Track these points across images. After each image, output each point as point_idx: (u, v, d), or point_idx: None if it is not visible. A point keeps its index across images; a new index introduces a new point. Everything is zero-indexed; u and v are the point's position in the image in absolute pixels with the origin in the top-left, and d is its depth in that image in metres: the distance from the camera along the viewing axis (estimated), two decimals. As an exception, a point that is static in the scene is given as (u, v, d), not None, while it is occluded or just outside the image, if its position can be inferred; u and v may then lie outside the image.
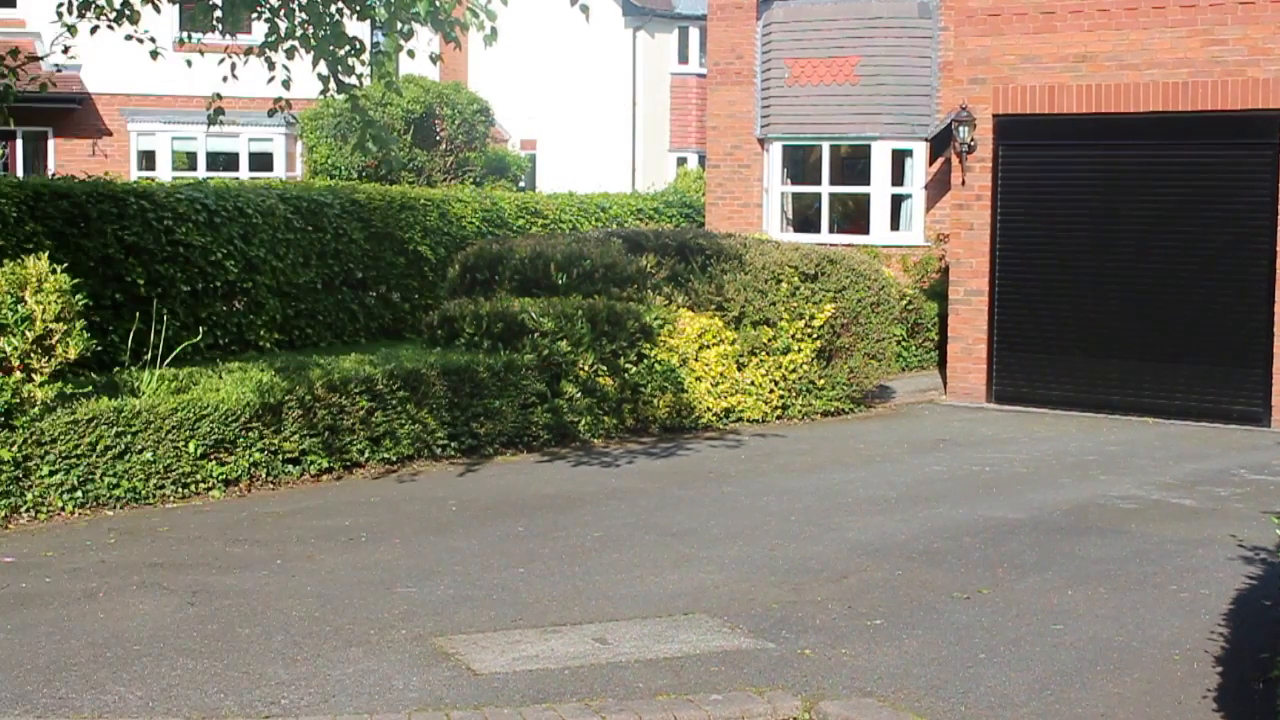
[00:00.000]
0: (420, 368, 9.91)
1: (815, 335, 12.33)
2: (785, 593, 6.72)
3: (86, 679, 5.36)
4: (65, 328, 8.19)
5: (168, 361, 9.84)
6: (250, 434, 8.87)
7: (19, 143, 24.61)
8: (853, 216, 18.72)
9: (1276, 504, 8.82)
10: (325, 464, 9.30)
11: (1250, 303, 12.42)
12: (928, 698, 5.34)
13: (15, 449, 7.90)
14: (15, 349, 7.99)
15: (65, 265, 8.87)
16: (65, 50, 9.86)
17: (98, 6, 9.59)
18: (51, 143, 25.02)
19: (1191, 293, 12.76)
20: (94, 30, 9.75)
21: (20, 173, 23.63)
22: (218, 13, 9.35)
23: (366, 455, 9.57)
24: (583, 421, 10.82)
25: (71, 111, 24.78)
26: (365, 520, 8.14)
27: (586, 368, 10.85)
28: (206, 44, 10.38)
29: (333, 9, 9.21)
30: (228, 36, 9.77)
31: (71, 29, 9.64)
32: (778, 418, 12.29)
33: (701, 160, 27.32)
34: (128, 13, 9.69)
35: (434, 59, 9.71)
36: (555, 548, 7.52)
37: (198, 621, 6.11)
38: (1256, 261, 12.37)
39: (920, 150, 17.92)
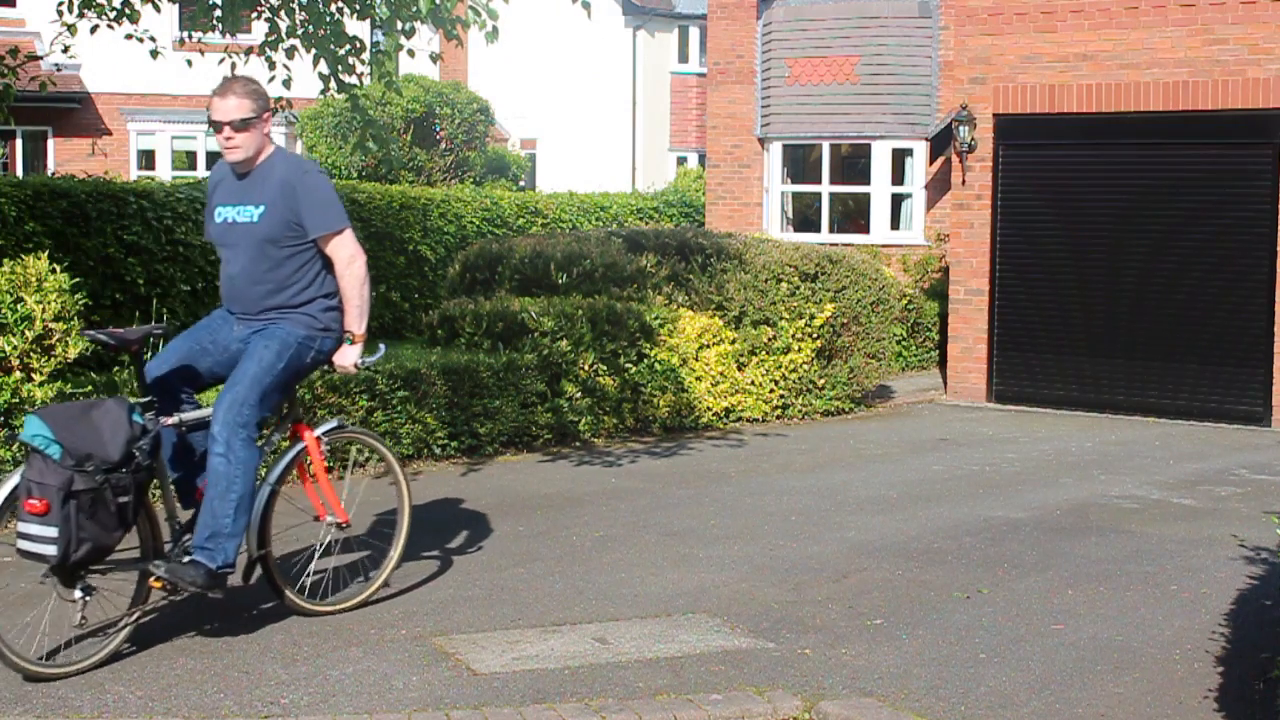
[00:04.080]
0: (420, 367, 9.91)
1: (815, 335, 12.32)
2: (785, 592, 6.71)
3: (86, 679, 5.35)
4: (65, 327, 8.18)
5: (167, 361, 9.82)
6: (250, 433, 8.85)
7: (19, 142, 24.62)
8: (853, 216, 18.72)
9: (1277, 504, 8.82)
10: (325, 464, 9.27)
11: (1251, 302, 12.42)
12: (928, 697, 5.33)
13: (15, 448, 7.89)
14: (15, 348, 7.98)
15: (65, 265, 8.86)
16: (65, 50, 9.86)
17: (97, 6, 9.59)
18: (51, 142, 25.03)
19: (1192, 292, 12.76)
20: (94, 29, 9.75)
21: (20, 172, 23.63)
22: (217, 12, 9.35)
23: (365, 456, 9.55)
24: (583, 421, 10.81)
25: (71, 111, 24.79)
26: (365, 520, 8.12)
27: (587, 367, 10.85)
28: (206, 43, 10.39)
29: (333, 8, 9.21)
30: (228, 36, 9.78)
31: (71, 28, 9.64)
32: (778, 417, 12.29)
33: (701, 160, 27.33)
34: (128, 12, 9.69)
35: (434, 58, 9.71)
36: (555, 548, 7.51)
37: (197, 621, 6.09)
38: (1257, 261, 12.37)
39: (920, 149, 17.92)
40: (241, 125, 5.82)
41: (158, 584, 5.67)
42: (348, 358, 6.08)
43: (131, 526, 5.53)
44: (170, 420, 5.76)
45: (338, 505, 6.33)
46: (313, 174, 6.02)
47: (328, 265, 6.01)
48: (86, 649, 5.55)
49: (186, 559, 5.71)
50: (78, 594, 5.44)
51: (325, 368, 6.23)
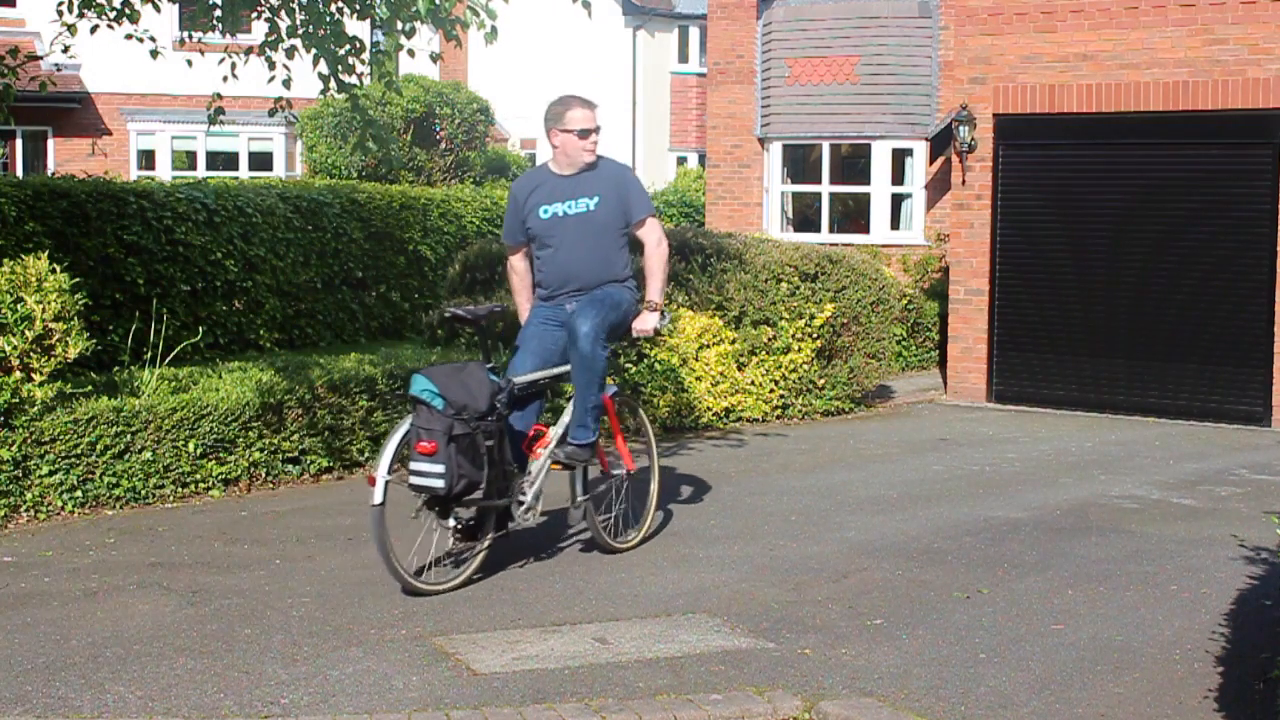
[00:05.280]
0: (420, 367, 9.90)
1: (815, 335, 12.32)
2: (785, 592, 6.71)
3: (86, 679, 5.35)
4: (65, 327, 8.18)
5: (167, 361, 9.83)
6: (250, 434, 8.86)
7: (19, 142, 24.62)
8: (853, 216, 18.72)
9: (1277, 504, 8.82)
10: (325, 463, 9.29)
11: (1251, 302, 12.41)
12: (928, 698, 5.33)
13: (15, 449, 7.90)
14: (15, 348, 7.98)
15: (65, 264, 8.86)
16: (65, 50, 9.84)
17: (98, 5, 9.58)
18: (51, 142, 25.03)
19: (1192, 292, 12.76)
20: (94, 29, 9.74)
21: (20, 172, 23.64)
22: (218, 12, 9.34)
23: (367, 455, 9.56)
24: (583, 421, 10.79)
25: (71, 111, 24.79)
26: (365, 520, 8.11)
27: (586, 367, 10.83)
28: (206, 43, 10.38)
29: (333, 8, 9.20)
30: (228, 36, 9.76)
31: (71, 28, 9.63)
32: (778, 417, 12.29)
33: (701, 160, 27.33)
34: (128, 12, 9.67)
35: (434, 58, 9.70)
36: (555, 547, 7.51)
37: (197, 621, 6.10)
38: (1257, 261, 12.36)
39: (920, 149, 17.92)
40: (597, 132, 7.20)
41: (557, 466, 7.08)
42: (648, 322, 7.25)
43: (491, 467, 6.57)
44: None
45: (627, 456, 7.51)
46: (632, 172, 7.54)
47: (627, 252, 7.27)
48: (444, 573, 6.70)
49: (569, 442, 7.09)
50: (451, 523, 6.58)
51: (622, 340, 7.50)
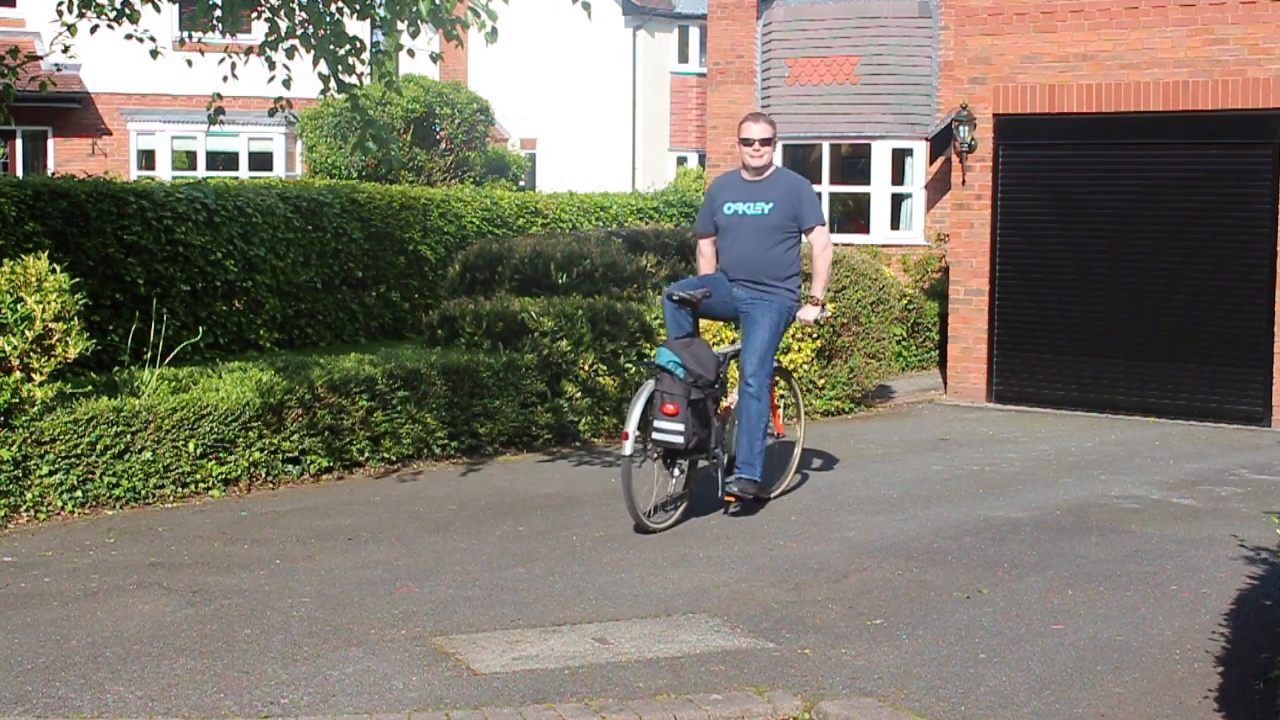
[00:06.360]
0: (420, 367, 9.91)
1: (815, 335, 12.31)
2: (785, 592, 6.71)
3: (86, 679, 5.35)
4: (65, 327, 8.18)
5: (167, 361, 9.83)
6: (250, 433, 8.86)
7: (19, 142, 24.62)
8: (853, 216, 18.72)
9: (1277, 504, 8.82)
10: (325, 464, 9.30)
11: (1251, 302, 12.41)
12: (928, 697, 5.33)
13: (15, 449, 7.90)
14: (15, 348, 7.98)
15: (65, 264, 8.86)
16: (65, 50, 9.84)
17: (98, 5, 9.57)
18: (51, 142, 25.02)
19: (1192, 292, 12.75)
20: (94, 29, 9.73)
21: (20, 172, 23.63)
22: (217, 12, 9.34)
23: (367, 455, 9.57)
24: (583, 421, 10.81)
25: (71, 111, 24.78)
26: (365, 520, 8.14)
27: (587, 367, 10.85)
28: (206, 43, 10.37)
29: (333, 8, 9.20)
30: (228, 36, 9.76)
31: (71, 28, 9.63)
32: (778, 417, 12.27)
33: (701, 160, 27.32)
34: (128, 12, 9.67)
35: (434, 58, 9.69)
36: (555, 548, 7.51)
37: (197, 621, 6.10)
38: (1257, 261, 12.36)
39: (920, 149, 17.92)
40: (764, 142, 8.31)
41: (730, 498, 8.13)
42: (810, 314, 8.43)
43: (711, 427, 7.84)
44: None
45: (777, 421, 8.64)
46: (807, 184, 8.55)
47: (795, 252, 8.35)
48: (662, 517, 7.89)
49: (738, 475, 8.08)
50: (675, 472, 7.89)
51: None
